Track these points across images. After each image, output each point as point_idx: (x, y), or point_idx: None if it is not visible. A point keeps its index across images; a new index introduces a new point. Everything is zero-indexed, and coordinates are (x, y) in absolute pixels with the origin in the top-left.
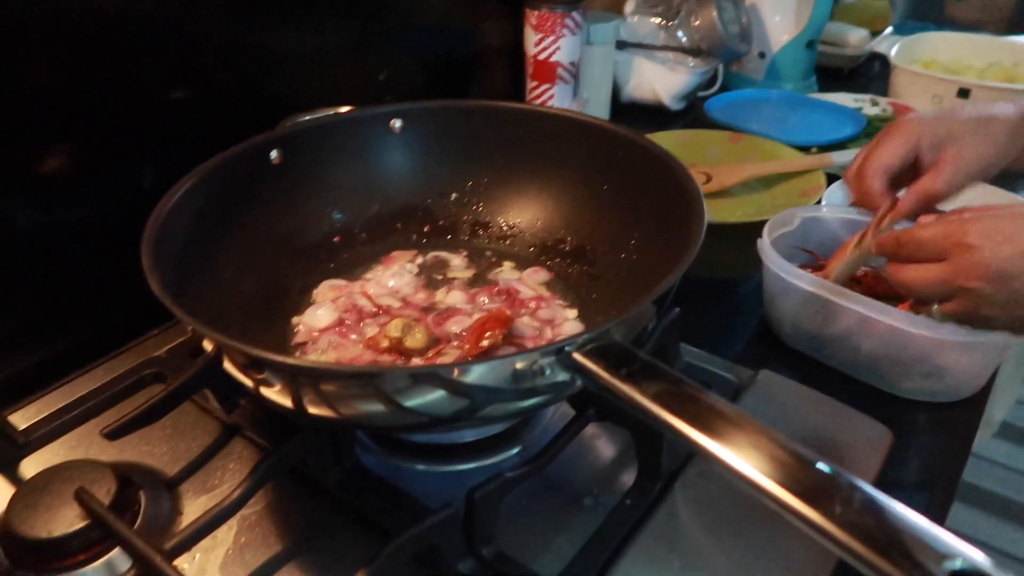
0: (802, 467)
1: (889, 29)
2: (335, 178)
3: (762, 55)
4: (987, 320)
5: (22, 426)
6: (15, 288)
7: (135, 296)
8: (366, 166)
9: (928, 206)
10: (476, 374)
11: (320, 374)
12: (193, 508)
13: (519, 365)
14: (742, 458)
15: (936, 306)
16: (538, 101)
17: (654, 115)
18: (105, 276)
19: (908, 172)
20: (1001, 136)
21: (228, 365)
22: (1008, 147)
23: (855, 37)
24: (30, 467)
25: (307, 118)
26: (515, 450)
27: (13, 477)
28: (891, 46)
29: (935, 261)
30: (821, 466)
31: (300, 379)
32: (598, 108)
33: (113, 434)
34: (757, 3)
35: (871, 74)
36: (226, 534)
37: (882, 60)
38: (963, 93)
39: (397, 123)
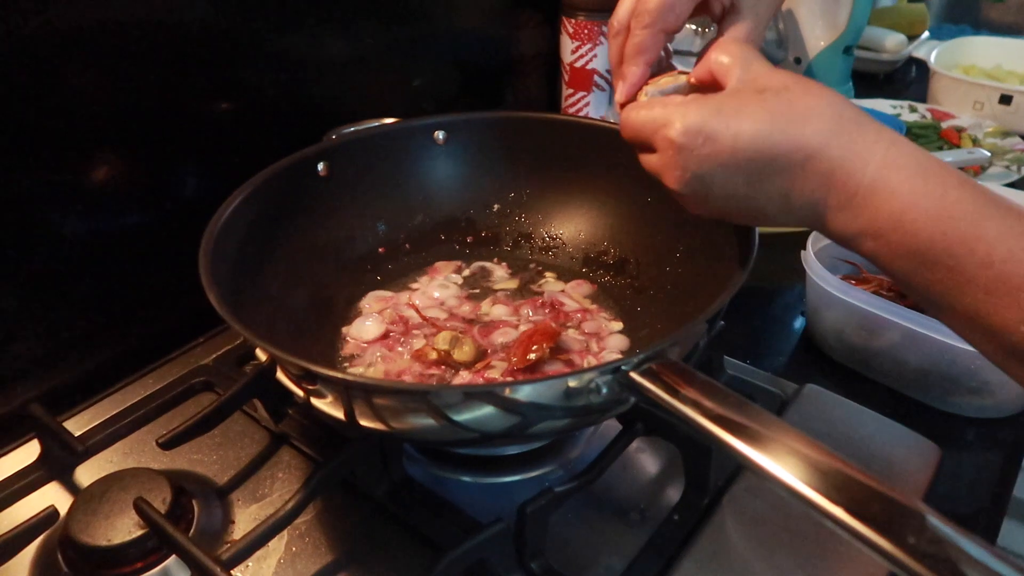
0: (870, 492)
1: (926, 34)
2: (380, 190)
3: (798, 61)
4: (715, 211)
5: (77, 433)
6: (65, 296)
7: (181, 303)
8: (410, 177)
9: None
10: (530, 392)
11: (375, 389)
12: (244, 517)
13: (573, 383)
14: (811, 485)
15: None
16: (573, 109)
17: None
18: (152, 284)
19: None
20: None
21: (281, 376)
22: None
23: (892, 42)
24: (83, 473)
25: (352, 129)
26: (558, 463)
27: (68, 483)
28: (929, 51)
29: (650, 150)
30: (888, 490)
31: (353, 393)
32: None
33: (168, 444)
34: (793, 9)
35: (908, 79)
36: (277, 543)
37: (919, 65)
38: (1005, 99)
39: (440, 135)
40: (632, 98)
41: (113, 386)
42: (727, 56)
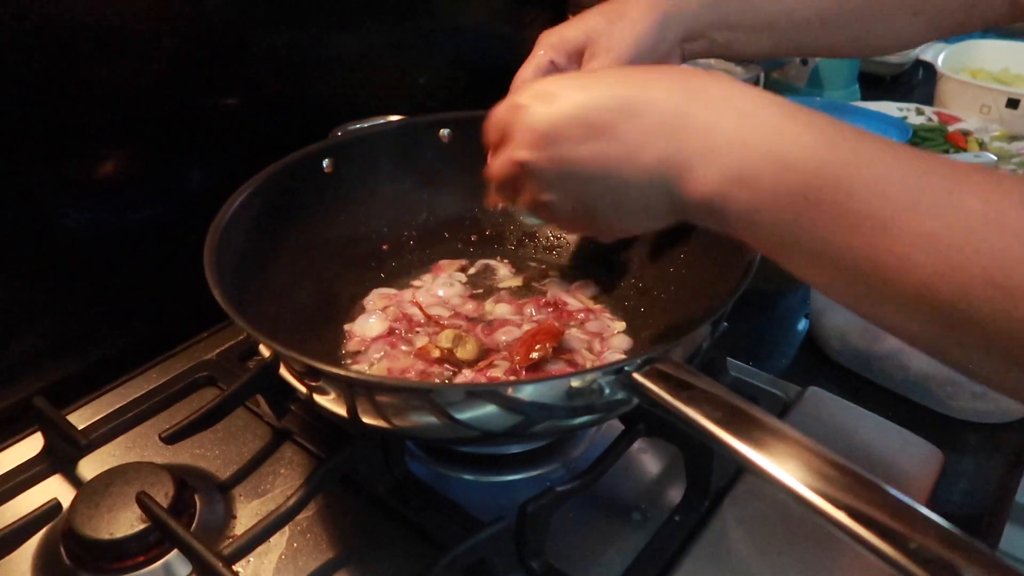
0: (873, 496)
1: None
2: (384, 186)
3: (804, 62)
4: (553, 211)
5: (80, 426)
6: (70, 290)
7: (185, 298)
8: (414, 175)
9: None
10: (533, 392)
11: (377, 387)
12: (246, 512)
13: (576, 383)
14: (816, 491)
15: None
16: None
17: None
18: (157, 279)
19: None
20: (640, 26)
21: (284, 372)
22: (651, 36)
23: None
24: (86, 467)
25: (357, 126)
26: (560, 462)
27: (71, 476)
28: (936, 53)
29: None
30: (897, 496)
31: (356, 390)
32: None
33: (171, 438)
34: None
35: (915, 82)
36: (279, 539)
37: (926, 67)
38: (1012, 103)
39: (445, 132)
40: None
41: (116, 380)
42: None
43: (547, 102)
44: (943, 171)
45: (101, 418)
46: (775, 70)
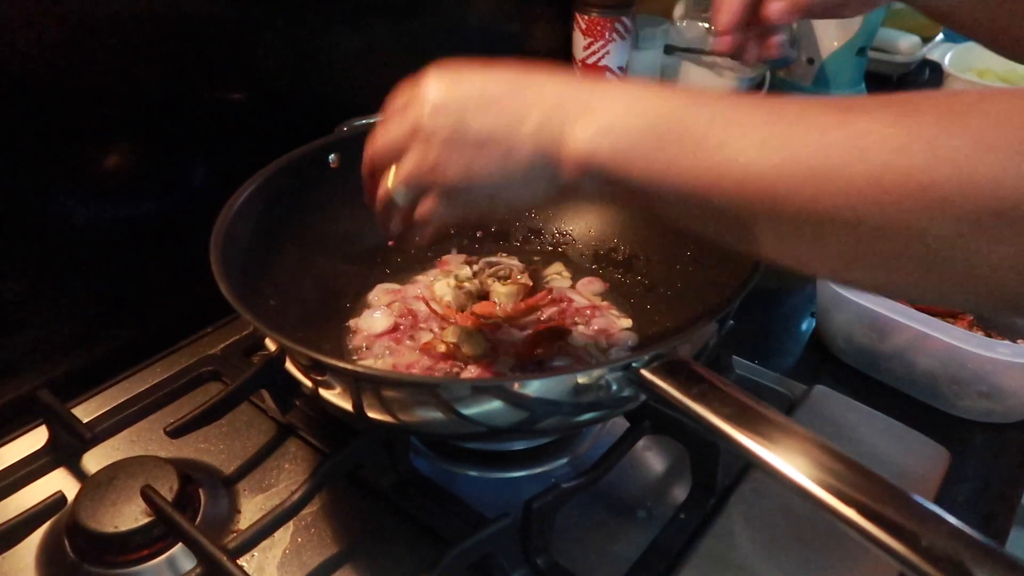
0: (882, 494)
1: (940, 36)
2: None
3: (811, 61)
4: (434, 178)
5: (85, 420)
6: (75, 284)
7: (190, 293)
8: None
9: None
10: (540, 388)
11: (384, 381)
12: (250, 506)
13: (583, 380)
14: (825, 487)
15: (392, 173)
16: None
17: None
18: (161, 273)
19: None
20: None
21: (289, 366)
22: None
23: (906, 44)
24: (90, 460)
25: (363, 122)
26: (565, 459)
27: (76, 469)
28: (943, 53)
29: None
30: (907, 493)
31: (362, 384)
32: None
33: (176, 432)
34: None
35: (921, 81)
36: (282, 534)
37: (933, 67)
38: None
39: None
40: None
41: (121, 374)
42: None
43: (448, 80)
44: (766, 100)
45: (106, 412)
46: (781, 69)
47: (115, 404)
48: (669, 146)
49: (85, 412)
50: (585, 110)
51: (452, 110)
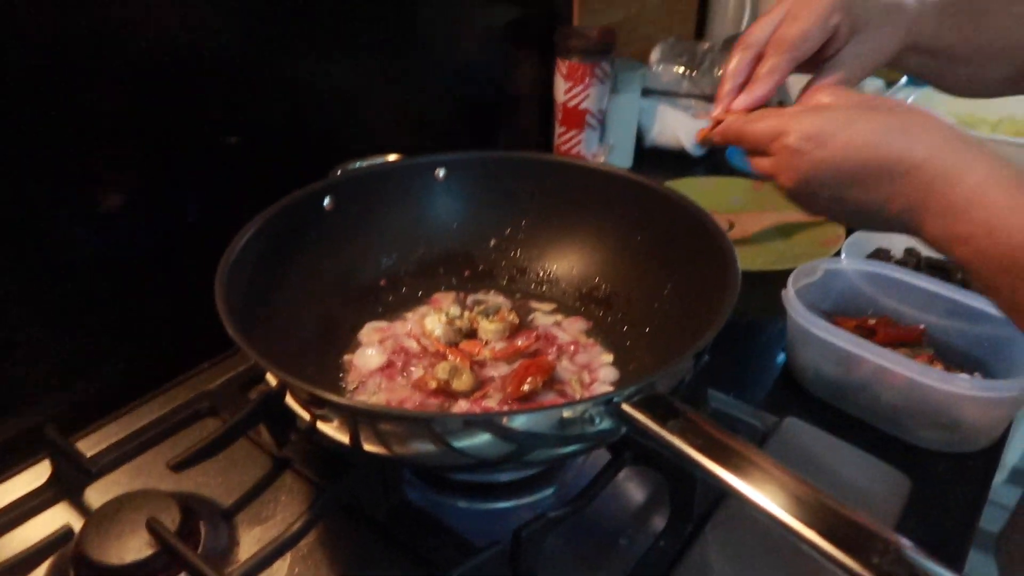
0: (842, 518)
1: (904, 80)
2: (382, 223)
3: (781, 103)
4: (820, 210)
5: (88, 454)
6: (77, 319)
7: (187, 329)
8: (411, 212)
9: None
10: (527, 421)
11: (380, 416)
12: (248, 538)
13: (567, 414)
14: (789, 512)
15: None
16: (566, 146)
17: (676, 160)
18: (161, 309)
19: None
20: (902, 28)
21: (289, 400)
22: (903, 39)
23: (870, 87)
24: (92, 494)
25: (357, 165)
26: (551, 490)
27: (78, 503)
28: (906, 97)
29: (764, 155)
30: (858, 517)
31: (359, 419)
32: (623, 153)
33: (179, 466)
34: None
35: None
36: (281, 564)
37: None
38: None
39: (441, 172)
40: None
41: (121, 408)
42: (829, 95)
43: (816, 149)
44: None
45: (108, 446)
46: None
47: (117, 439)
48: (1015, 282)
49: (87, 446)
50: (944, 211)
51: (818, 185)
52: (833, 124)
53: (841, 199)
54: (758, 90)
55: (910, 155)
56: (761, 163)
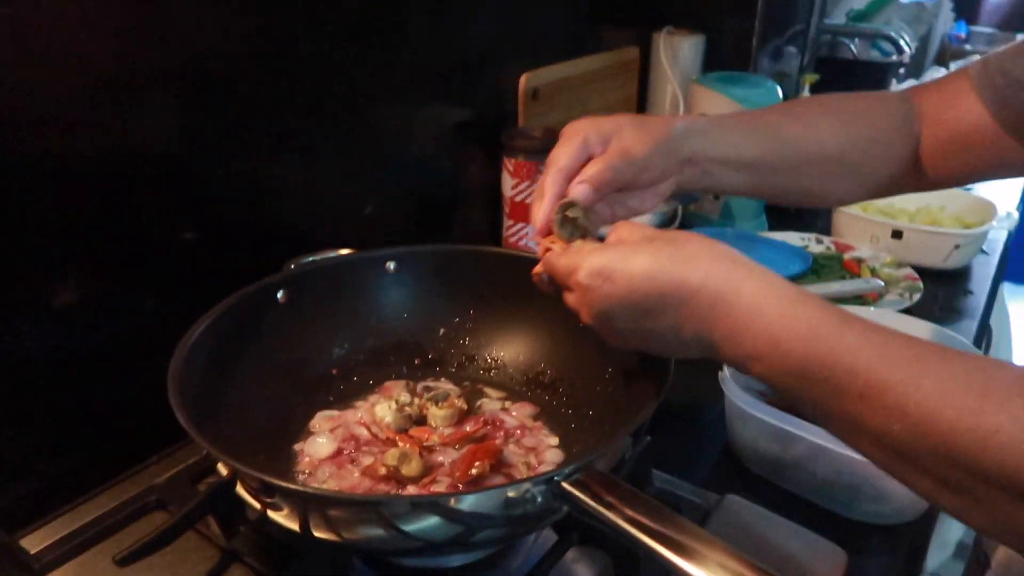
0: None
1: None
2: (335, 315)
3: (716, 197)
4: (627, 344)
5: (32, 551)
6: (23, 414)
7: (135, 422)
8: (363, 304)
9: (599, 191)
10: (473, 502)
11: (330, 501)
12: None
13: (511, 494)
14: None
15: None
16: (514, 238)
17: None
18: (110, 403)
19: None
20: (657, 132)
21: (240, 490)
22: (665, 145)
23: None
24: None
25: (310, 259)
26: (501, 572)
27: None
28: None
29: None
30: None
31: (309, 505)
32: None
33: (124, 560)
34: None
35: (816, 213)
36: None
37: None
38: (896, 234)
39: (392, 265)
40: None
41: (68, 504)
42: (625, 230)
43: (603, 284)
44: (907, 352)
45: (53, 542)
46: (691, 204)
47: (63, 535)
48: (812, 387)
49: (31, 543)
50: (733, 333)
51: (612, 318)
52: (615, 259)
53: (638, 330)
54: (536, 213)
55: (687, 282)
56: (567, 298)
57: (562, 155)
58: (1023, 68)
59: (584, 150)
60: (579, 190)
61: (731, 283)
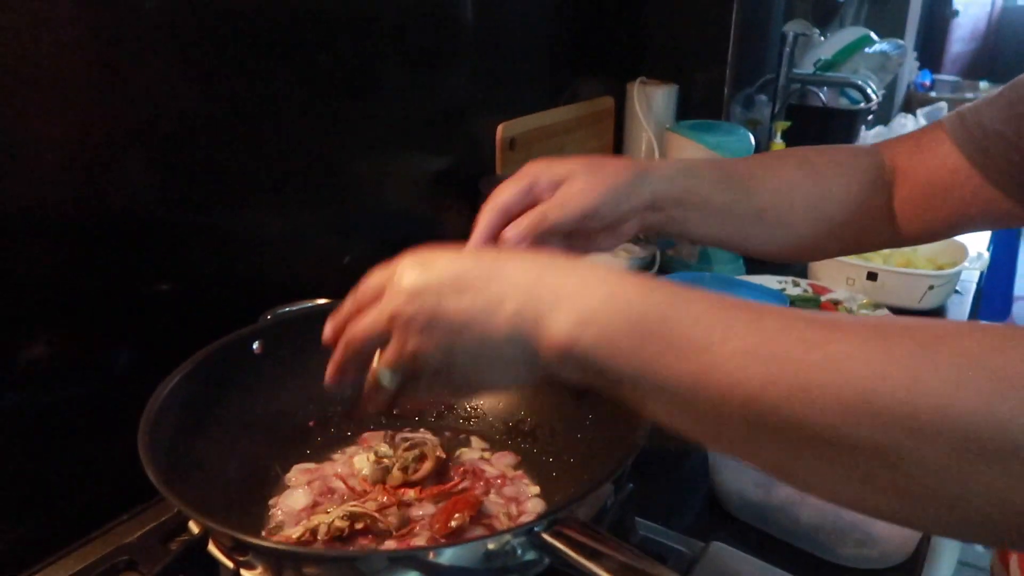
0: None
1: None
2: (311, 366)
3: (693, 242)
4: (416, 362)
5: None
6: None
7: (106, 480)
8: None
9: (539, 230)
10: (452, 556)
11: (304, 558)
12: None
13: (492, 546)
14: None
15: (376, 361)
16: None
17: None
18: (80, 460)
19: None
20: (611, 178)
21: (212, 548)
22: (619, 190)
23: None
24: None
25: (286, 309)
26: None
27: None
28: None
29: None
30: None
31: (284, 562)
32: None
33: None
34: None
35: None
36: None
37: None
38: (871, 276)
39: None
40: None
41: (35, 566)
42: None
43: (421, 267)
44: (746, 305)
45: None
46: (669, 249)
47: None
48: (652, 343)
49: None
50: (562, 297)
51: (428, 296)
52: (439, 252)
53: (447, 312)
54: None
55: (506, 262)
56: (368, 312)
57: (505, 193)
58: (1000, 120)
59: (529, 193)
60: (508, 236)
61: (555, 261)
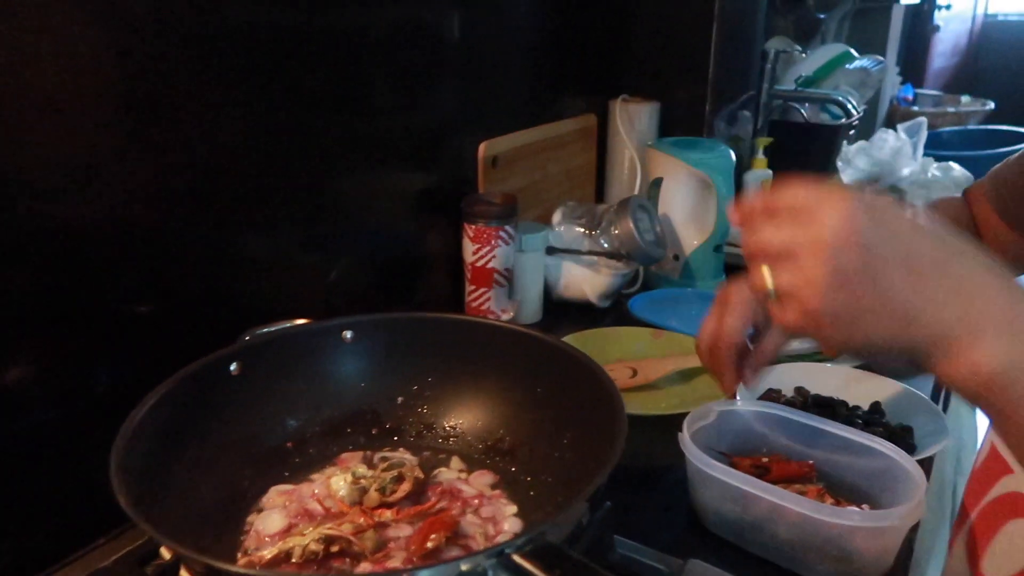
0: None
1: None
2: (290, 387)
3: (676, 257)
4: (813, 314)
5: None
6: None
7: (82, 503)
8: (319, 374)
9: (770, 361)
10: None
11: None
12: None
13: (465, 567)
14: None
15: (769, 278)
16: (476, 303)
17: (583, 312)
18: (56, 484)
19: None
20: None
21: (184, 573)
22: None
23: None
24: None
25: (265, 330)
26: None
27: None
28: None
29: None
30: None
31: None
32: (530, 308)
33: None
34: (669, 213)
35: None
36: None
37: None
38: None
39: (348, 334)
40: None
41: None
42: None
43: (876, 218)
44: None
45: None
46: (652, 265)
47: None
48: None
49: None
50: (1006, 321)
51: (869, 256)
52: (897, 204)
53: (887, 277)
54: (727, 388)
55: (956, 254)
56: (780, 229)
57: (733, 331)
58: (1017, 173)
59: (749, 320)
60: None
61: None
